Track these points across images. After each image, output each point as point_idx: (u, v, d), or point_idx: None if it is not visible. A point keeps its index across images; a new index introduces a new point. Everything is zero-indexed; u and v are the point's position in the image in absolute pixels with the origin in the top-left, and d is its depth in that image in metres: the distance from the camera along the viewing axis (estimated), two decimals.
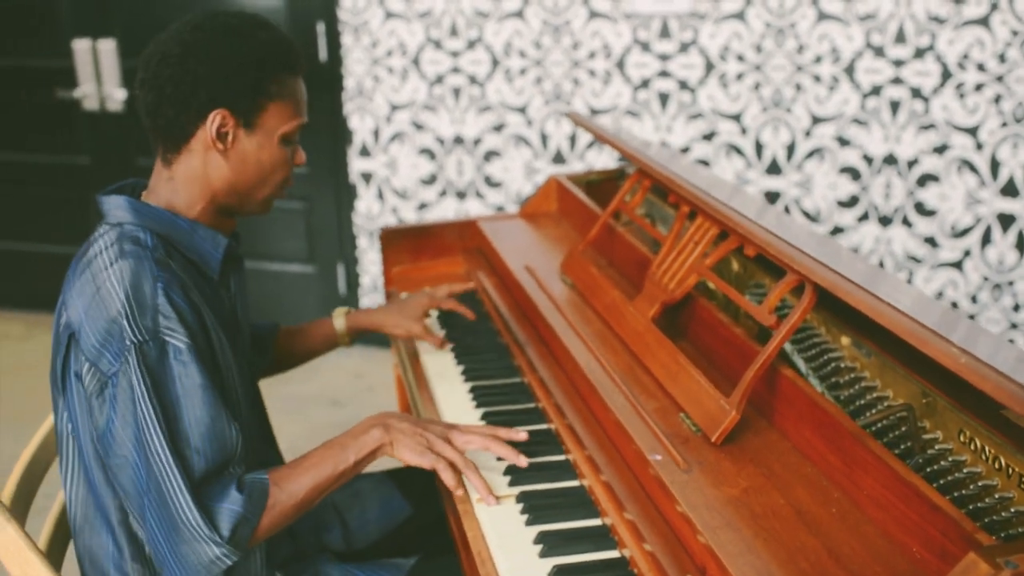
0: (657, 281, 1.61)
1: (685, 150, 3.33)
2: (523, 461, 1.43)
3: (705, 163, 3.33)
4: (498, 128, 3.55)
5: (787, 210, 3.29)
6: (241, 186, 1.43)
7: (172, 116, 1.38)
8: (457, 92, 3.55)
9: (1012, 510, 1.11)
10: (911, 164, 3.12)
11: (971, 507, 1.15)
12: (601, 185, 2.32)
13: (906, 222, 3.18)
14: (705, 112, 3.28)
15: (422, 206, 3.75)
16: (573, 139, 3.46)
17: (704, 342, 1.54)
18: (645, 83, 3.32)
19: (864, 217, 3.22)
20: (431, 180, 3.70)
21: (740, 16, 3.15)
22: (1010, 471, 1.12)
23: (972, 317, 3.21)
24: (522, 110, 3.50)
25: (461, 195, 3.68)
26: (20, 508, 1.45)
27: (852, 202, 3.23)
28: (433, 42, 3.52)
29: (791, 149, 3.23)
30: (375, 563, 1.56)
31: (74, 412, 1.33)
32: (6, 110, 4.19)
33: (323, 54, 3.66)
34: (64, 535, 1.56)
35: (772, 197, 3.29)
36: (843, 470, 1.20)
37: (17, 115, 4.18)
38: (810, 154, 3.22)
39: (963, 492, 1.17)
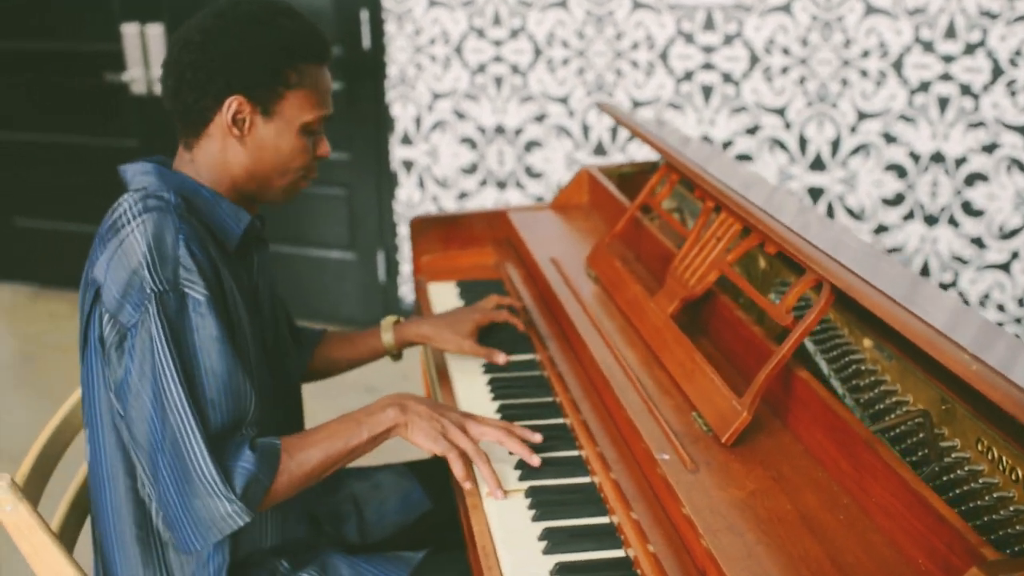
0: (678, 277, 1.58)
1: (728, 144, 3.29)
2: (536, 460, 1.42)
3: (748, 158, 3.28)
4: (539, 118, 3.53)
5: (830, 207, 3.23)
6: (259, 172, 1.44)
7: (191, 101, 1.39)
8: (499, 81, 3.54)
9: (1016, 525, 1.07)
10: (959, 163, 3.05)
11: (985, 519, 1.12)
12: (634, 178, 2.29)
13: (952, 222, 3.11)
14: (749, 106, 3.23)
15: (462, 195, 3.74)
16: (615, 131, 3.43)
17: (724, 340, 1.52)
18: (688, 75, 3.28)
19: (909, 216, 3.16)
20: (472, 169, 3.69)
21: (786, 8, 3.09)
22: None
23: (1020, 321, 3.13)
24: (564, 100, 3.47)
25: (501, 185, 3.67)
26: (34, 488, 1.47)
27: (897, 200, 3.16)
28: (476, 31, 3.51)
29: (836, 145, 3.17)
30: (383, 556, 1.55)
31: (92, 372, 1.35)
32: (57, 93, 4.25)
33: (366, 42, 3.67)
34: (80, 516, 1.58)
35: (816, 194, 3.24)
36: (853, 476, 1.17)
37: (67, 98, 4.24)
38: (855, 150, 3.16)
39: (978, 503, 1.14)
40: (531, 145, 3.57)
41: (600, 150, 3.47)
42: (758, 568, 1.05)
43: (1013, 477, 1.11)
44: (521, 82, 3.51)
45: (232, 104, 1.38)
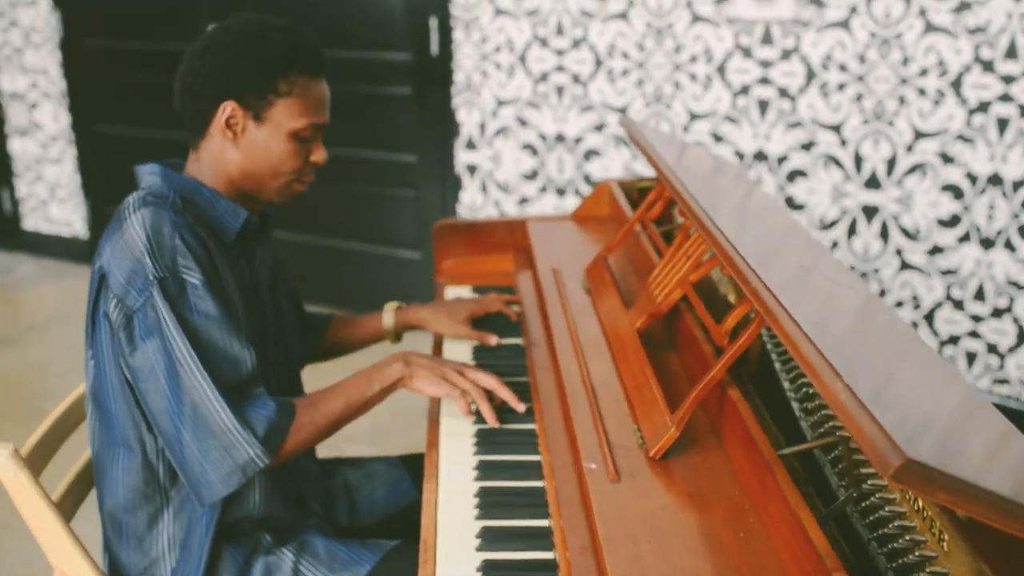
0: (650, 292, 1.62)
1: (782, 159, 3.27)
2: (521, 407, 1.60)
3: (802, 174, 3.25)
4: (599, 128, 3.57)
5: (884, 227, 3.19)
6: (252, 172, 1.56)
7: (190, 104, 1.54)
8: (560, 90, 3.59)
9: (917, 554, 1.08)
10: (1017, 185, 2.97)
11: (889, 547, 1.13)
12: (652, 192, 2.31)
13: (1009, 246, 3.03)
14: (804, 121, 3.21)
15: (523, 201, 3.81)
16: None
17: (684, 357, 1.55)
18: (745, 89, 3.27)
19: (965, 238, 3.09)
20: (532, 176, 3.75)
21: (844, 25, 3.06)
22: (925, 514, 1.10)
23: None
24: (623, 111, 3.50)
25: (561, 192, 3.72)
26: (39, 458, 1.60)
27: (953, 222, 3.09)
28: (539, 40, 3.57)
29: (892, 164, 3.13)
30: (359, 541, 1.63)
31: (99, 349, 1.48)
32: (147, 91, 4.48)
33: (435, 48, 3.77)
34: (81, 491, 1.70)
35: (870, 212, 3.19)
36: (760, 496, 1.19)
37: (157, 96, 4.46)
38: (911, 170, 3.10)
39: (884, 531, 1.15)
40: (590, 154, 3.62)
41: None
42: None
43: (915, 507, 1.12)
44: (582, 92, 3.55)
45: (226, 108, 1.52)
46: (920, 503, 1.10)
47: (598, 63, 3.49)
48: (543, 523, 1.37)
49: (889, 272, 3.22)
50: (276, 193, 1.61)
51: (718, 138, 3.35)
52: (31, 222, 5.09)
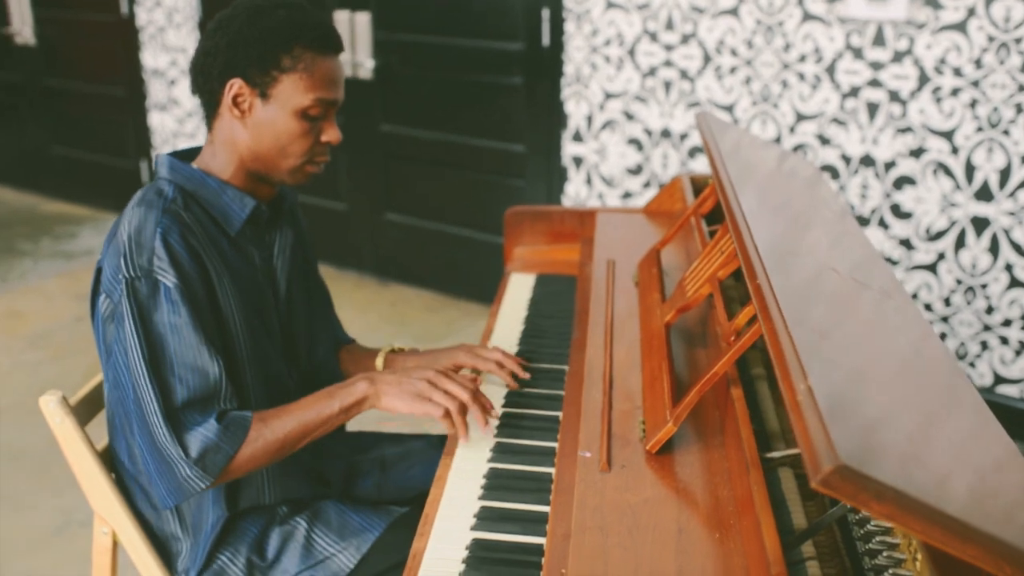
0: (683, 287, 1.59)
1: (890, 165, 3.15)
2: (483, 427, 1.52)
3: (911, 181, 3.13)
4: None
5: (995, 240, 3.03)
6: (261, 153, 1.55)
7: (201, 83, 1.55)
8: (668, 85, 3.55)
9: (892, 572, 1.04)
10: None
11: (873, 563, 1.09)
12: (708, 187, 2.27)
13: None
14: (915, 126, 3.08)
15: (626, 195, 3.78)
16: (777, 142, 3.36)
17: (705, 353, 1.52)
18: (854, 91, 3.17)
19: None
20: (637, 170, 3.73)
21: (961, 27, 2.93)
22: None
23: None
24: (729, 109, 3.44)
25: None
26: (86, 411, 1.69)
27: None
28: (649, 34, 3.54)
29: (1005, 175, 2.97)
30: (371, 507, 1.66)
31: (98, 338, 1.54)
32: None
33: (546, 39, 3.78)
34: None
35: (980, 224, 3.04)
36: (743, 499, 1.16)
37: None
38: None
39: (869, 546, 1.11)
40: (695, 151, 3.57)
41: None
42: (599, 567, 1.08)
43: None
44: (689, 87, 3.51)
45: (232, 86, 1.51)
46: None
47: (706, 59, 3.44)
48: (543, 508, 1.37)
49: (998, 288, 3.07)
50: (288, 175, 1.57)
51: (824, 140, 3.26)
52: None
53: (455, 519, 1.36)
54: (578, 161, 3.87)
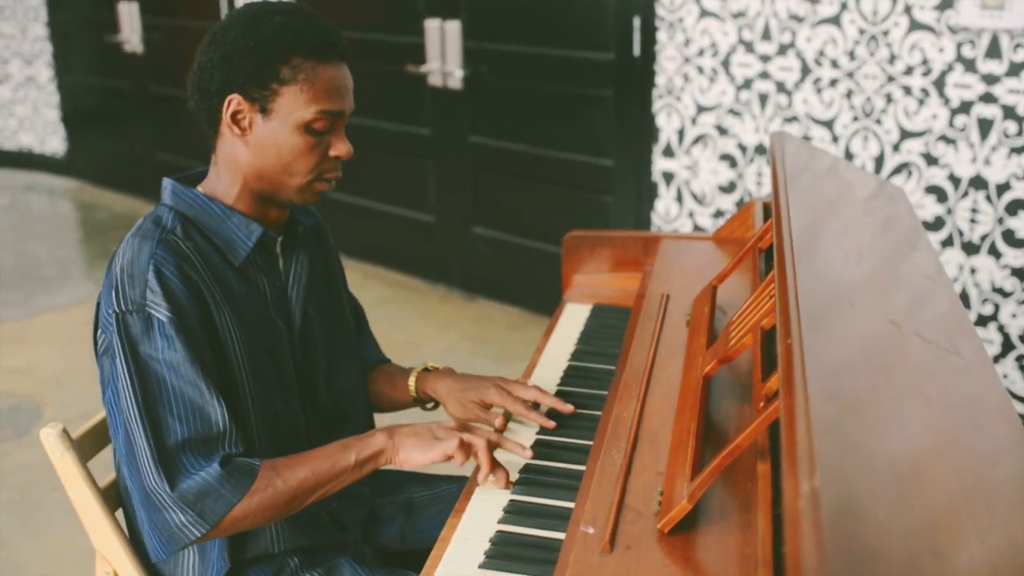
0: (727, 334, 1.42)
1: (1003, 188, 2.88)
2: (488, 481, 1.41)
3: None
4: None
5: None
6: (265, 172, 1.43)
7: (198, 102, 1.45)
8: (764, 99, 3.34)
9: None
10: None
11: None
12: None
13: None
14: None
15: (718, 214, 3.58)
16: (880, 160, 3.12)
17: (741, 414, 1.34)
18: (965, 107, 2.90)
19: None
20: (730, 188, 3.52)
21: None
22: None
23: None
24: (828, 124, 3.21)
25: None
26: (89, 445, 1.61)
27: None
28: (744, 44, 3.33)
29: None
30: (388, 571, 1.54)
31: (102, 370, 1.45)
32: (366, 80, 4.57)
33: (637, 49, 3.61)
34: None
35: None
36: None
37: (374, 85, 4.56)
38: None
39: None
40: None
41: None
42: None
43: None
44: (786, 101, 3.29)
45: (231, 102, 1.40)
46: None
47: (805, 71, 3.22)
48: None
49: None
50: (296, 193, 1.45)
51: (931, 160, 3.00)
52: None
53: (481, 510, 1.33)
54: (668, 177, 3.68)
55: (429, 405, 1.74)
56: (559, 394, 1.68)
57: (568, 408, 1.57)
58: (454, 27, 4.11)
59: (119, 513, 1.58)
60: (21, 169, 6.82)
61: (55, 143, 6.71)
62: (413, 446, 1.39)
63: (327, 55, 1.41)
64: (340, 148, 1.44)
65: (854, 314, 1.20)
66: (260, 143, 1.41)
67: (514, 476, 1.43)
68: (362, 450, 1.39)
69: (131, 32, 5.70)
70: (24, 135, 6.81)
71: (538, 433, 1.56)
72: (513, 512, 1.35)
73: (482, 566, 1.25)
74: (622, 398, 1.46)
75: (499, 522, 1.34)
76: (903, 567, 0.75)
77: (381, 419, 1.77)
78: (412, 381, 1.71)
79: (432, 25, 4.17)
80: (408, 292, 4.58)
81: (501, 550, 1.28)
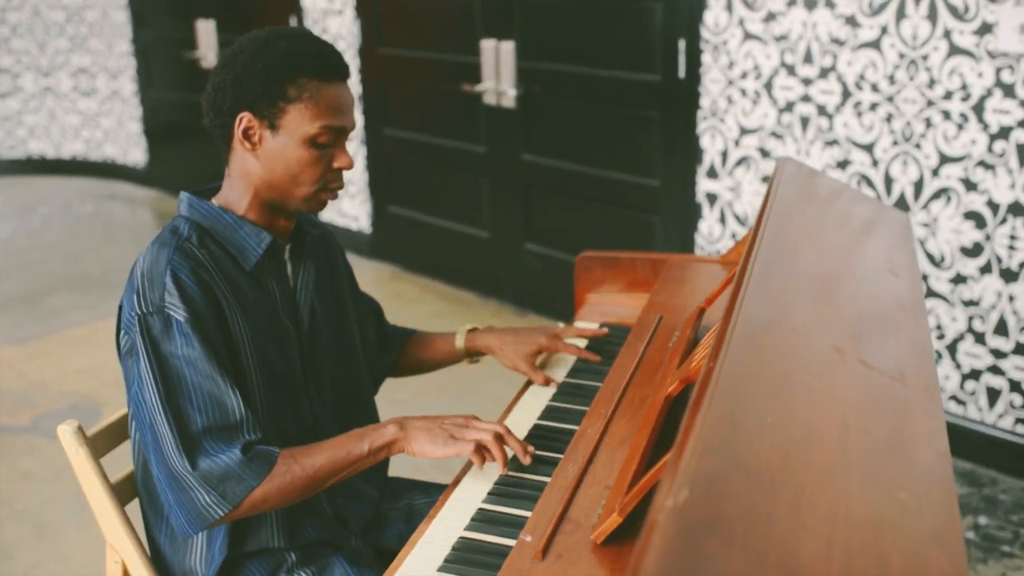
0: (692, 356, 1.47)
1: None
2: (527, 460, 1.51)
3: None
4: (842, 164, 3.29)
5: None
6: (274, 183, 1.56)
7: (212, 119, 1.58)
8: (805, 122, 3.35)
9: None
10: None
11: None
12: None
13: None
14: None
15: None
16: (919, 185, 3.10)
17: None
18: (1004, 132, 2.88)
19: None
20: None
21: None
22: None
23: None
24: (868, 148, 3.21)
25: None
26: (105, 442, 1.72)
27: None
28: (787, 67, 3.35)
29: None
30: (374, 573, 1.62)
31: (125, 370, 1.56)
32: (424, 97, 4.71)
33: (682, 71, 3.64)
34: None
35: None
36: None
37: (432, 103, 4.68)
38: None
39: None
40: None
41: (902, 204, 3.16)
42: None
43: None
44: (827, 124, 3.29)
45: (242, 120, 1.53)
46: None
47: (845, 94, 3.22)
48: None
49: None
50: (302, 203, 1.58)
51: (970, 185, 2.98)
52: (326, 214, 5.52)
53: (452, 518, 1.39)
54: (712, 198, 3.71)
55: (476, 359, 1.96)
56: (548, 410, 1.75)
57: (596, 358, 1.85)
58: (508, 47, 4.20)
59: (131, 507, 1.69)
60: (105, 178, 7.13)
61: (137, 154, 7.01)
62: (426, 440, 1.50)
63: (329, 75, 1.54)
64: (342, 160, 1.57)
65: (795, 338, 1.24)
66: (269, 156, 1.54)
67: (491, 487, 1.49)
68: (375, 439, 1.50)
69: (207, 49, 5.92)
70: (109, 146, 7.13)
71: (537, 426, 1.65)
72: (479, 520, 1.42)
73: (440, 569, 1.32)
74: (591, 415, 1.52)
75: (464, 529, 1.40)
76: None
77: (389, 412, 1.86)
78: (461, 338, 1.92)
79: (488, 45, 4.27)
80: (462, 306, 4.67)
81: (461, 555, 1.34)
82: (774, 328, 1.24)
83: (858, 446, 1.07)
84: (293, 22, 5.21)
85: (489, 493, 1.48)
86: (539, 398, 1.78)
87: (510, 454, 1.53)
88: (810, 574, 0.83)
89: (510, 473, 1.52)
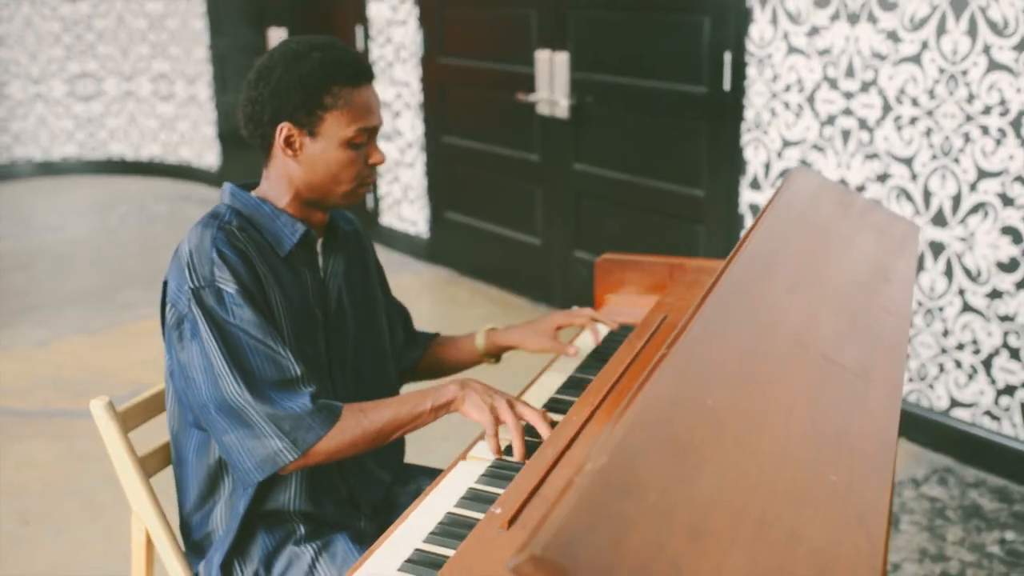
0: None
1: None
2: (545, 431, 1.58)
3: None
4: (882, 178, 3.31)
5: None
6: (316, 184, 1.69)
7: (252, 130, 1.70)
8: (846, 135, 3.38)
9: None
10: None
11: None
12: None
13: None
14: None
15: None
16: (956, 199, 3.11)
17: None
18: None
19: None
20: None
21: None
22: None
23: None
24: (908, 162, 3.23)
25: None
26: (135, 417, 1.85)
27: None
28: (829, 81, 3.38)
29: None
30: None
31: (167, 345, 1.69)
32: (481, 106, 4.82)
33: (727, 83, 3.70)
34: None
35: None
36: None
37: (488, 112, 4.80)
38: None
39: None
40: None
41: (939, 219, 3.17)
42: None
43: None
44: (867, 138, 3.32)
45: (282, 130, 1.66)
46: None
47: (886, 108, 3.24)
48: None
49: None
50: (342, 199, 1.71)
51: (1007, 200, 2.98)
52: (386, 218, 5.67)
53: (446, 496, 1.48)
54: (755, 209, 3.75)
55: (496, 359, 2.03)
56: (551, 401, 1.83)
57: (614, 326, 2.00)
58: (562, 58, 4.30)
59: (155, 479, 1.82)
60: (180, 180, 7.41)
61: (210, 157, 7.27)
62: (474, 403, 1.60)
63: (359, 80, 1.67)
64: (376, 156, 1.71)
65: (760, 332, 1.30)
66: (311, 160, 1.67)
67: (485, 468, 1.58)
68: (438, 398, 1.61)
69: None
70: (184, 149, 7.40)
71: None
72: (469, 499, 1.51)
73: (426, 540, 1.41)
74: (580, 404, 1.60)
75: (454, 506, 1.49)
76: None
77: None
78: (481, 338, 2.00)
79: (542, 56, 4.37)
80: (512, 311, 4.76)
81: (447, 528, 1.43)
82: (740, 321, 1.31)
83: (799, 432, 1.14)
84: (359, 31, 5.38)
85: (483, 475, 1.57)
86: (548, 389, 1.87)
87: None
88: (716, 536, 0.90)
89: (505, 458, 1.60)
